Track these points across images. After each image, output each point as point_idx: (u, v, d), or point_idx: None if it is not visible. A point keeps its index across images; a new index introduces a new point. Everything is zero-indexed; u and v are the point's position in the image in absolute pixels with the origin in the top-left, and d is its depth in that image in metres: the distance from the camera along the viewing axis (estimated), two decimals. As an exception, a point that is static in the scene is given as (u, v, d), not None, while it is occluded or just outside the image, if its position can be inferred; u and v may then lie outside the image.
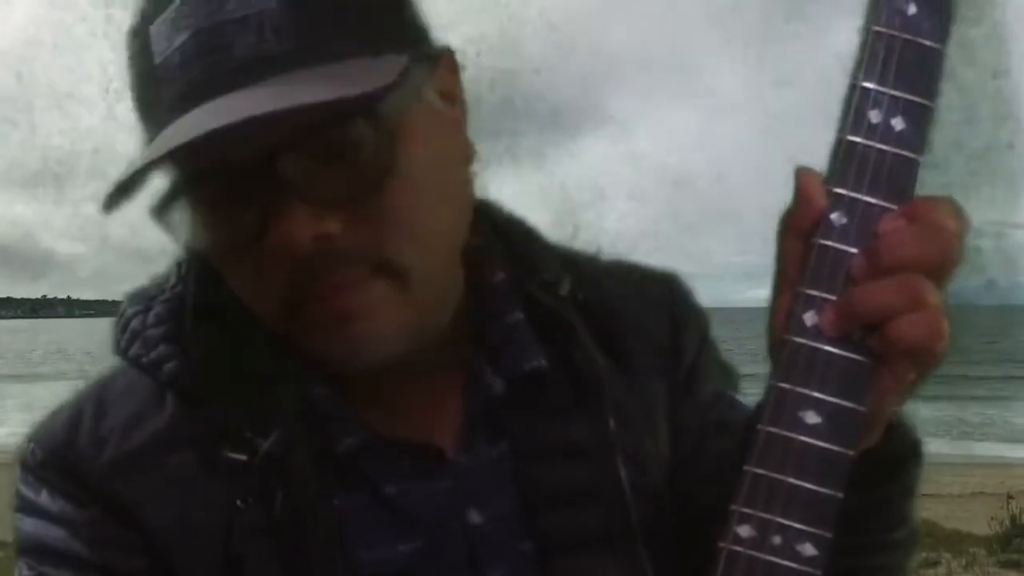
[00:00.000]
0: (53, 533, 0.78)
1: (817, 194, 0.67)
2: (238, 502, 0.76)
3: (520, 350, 0.84)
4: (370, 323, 0.75)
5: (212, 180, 0.73)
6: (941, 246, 0.66)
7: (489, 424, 0.83)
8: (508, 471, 0.82)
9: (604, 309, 0.88)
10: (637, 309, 0.90)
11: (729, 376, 0.94)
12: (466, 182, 0.81)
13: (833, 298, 0.69)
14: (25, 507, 0.80)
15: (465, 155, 0.81)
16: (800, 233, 0.68)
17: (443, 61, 0.80)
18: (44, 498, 0.79)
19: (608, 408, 0.84)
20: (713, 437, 0.87)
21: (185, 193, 0.74)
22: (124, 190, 0.71)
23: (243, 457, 0.77)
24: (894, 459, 0.75)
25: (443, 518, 0.80)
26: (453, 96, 0.81)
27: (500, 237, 0.88)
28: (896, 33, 0.69)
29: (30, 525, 0.80)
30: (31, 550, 0.79)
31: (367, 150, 0.72)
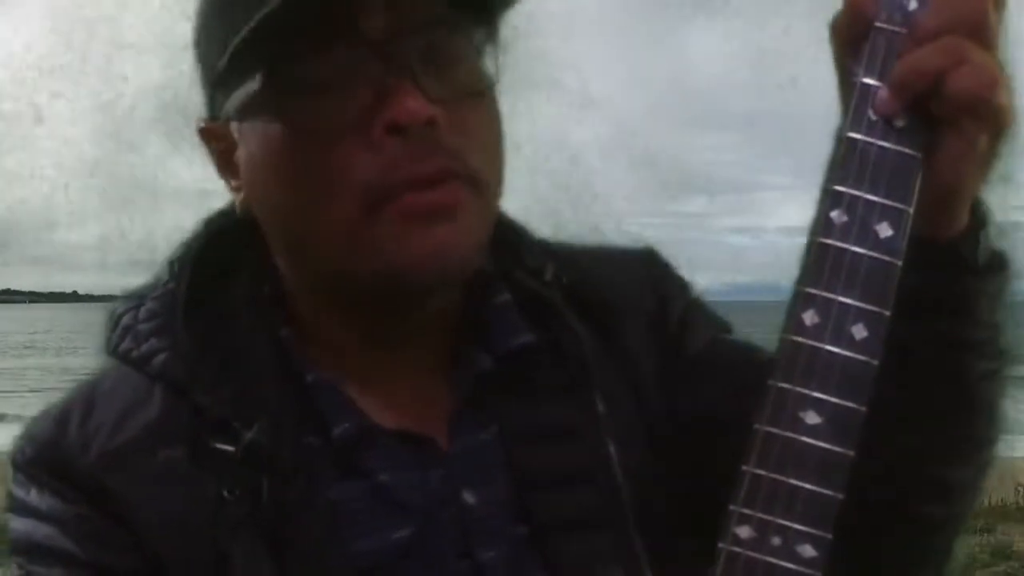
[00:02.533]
0: (42, 531, 0.78)
1: (865, 3, 0.68)
2: (224, 493, 0.76)
3: (507, 328, 0.84)
4: (455, 226, 0.76)
5: (328, 48, 0.74)
6: (973, 5, 0.67)
7: (480, 408, 0.83)
8: (499, 454, 0.82)
9: (589, 291, 0.89)
10: (621, 287, 0.91)
11: (721, 324, 0.94)
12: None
13: (831, 296, 0.68)
14: (16, 506, 0.80)
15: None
16: (846, 42, 0.70)
17: None
18: (34, 496, 0.79)
19: (596, 390, 0.84)
20: (722, 379, 0.87)
21: (293, 61, 0.74)
22: (241, 20, 0.71)
23: (230, 448, 0.76)
24: (979, 253, 0.73)
25: (437, 503, 0.80)
26: None
27: None
28: (897, 29, 0.68)
29: (20, 524, 0.79)
30: (22, 549, 0.79)
31: (483, 60, 0.78)
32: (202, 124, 0.83)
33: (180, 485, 0.77)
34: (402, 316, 0.81)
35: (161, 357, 0.80)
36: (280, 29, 0.72)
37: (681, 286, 0.94)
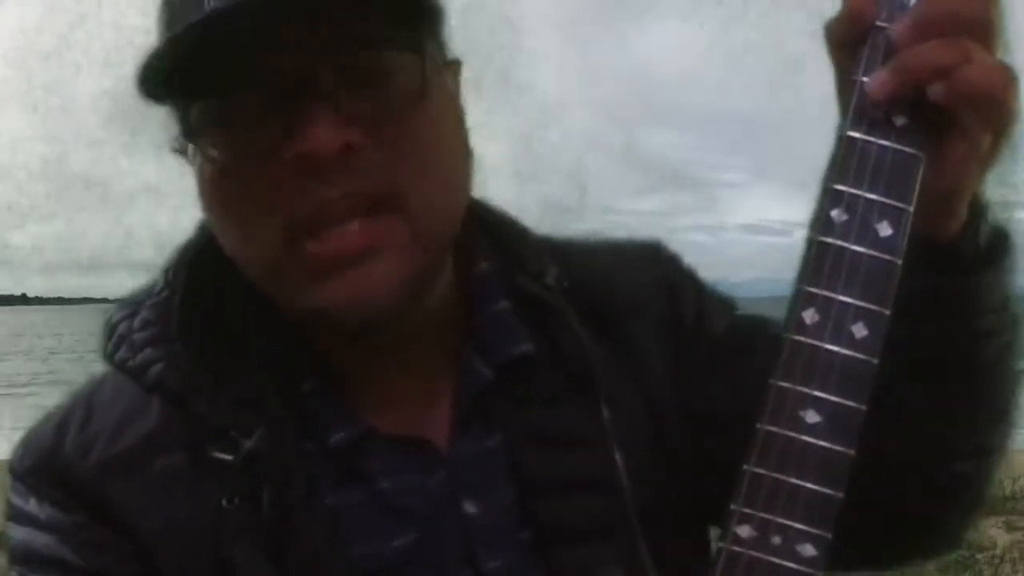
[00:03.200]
0: (41, 540, 0.78)
1: (865, 7, 0.68)
2: (224, 502, 0.75)
3: (507, 336, 0.84)
4: (376, 264, 0.73)
5: (238, 79, 0.72)
6: (980, 4, 0.67)
7: (482, 415, 0.83)
8: (503, 461, 0.82)
9: (593, 293, 0.88)
10: (628, 286, 0.90)
11: (731, 304, 0.94)
12: (469, 171, 0.81)
13: (832, 295, 0.68)
14: (15, 515, 0.80)
15: (469, 149, 0.81)
16: (843, 44, 0.70)
17: (454, 66, 0.82)
18: (32, 505, 0.79)
19: (601, 396, 0.83)
20: (753, 357, 0.84)
21: (206, 93, 0.73)
22: (152, 70, 0.70)
23: (229, 457, 0.76)
24: (982, 243, 0.74)
25: (438, 511, 0.80)
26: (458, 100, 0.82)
27: (487, 232, 0.88)
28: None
29: (20, 533, 0.79)
30: (21, 558, 0.79)
31: (403, 77, 0.73)
32: (174, 144, 0.81)
33: (179, 493, 0.77)
34: (371, 335, 0.79)
35: (157, 368, 0.79)
36: (190, 68, 0.71)
37: (690, 277, 0.93)
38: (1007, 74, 0.66)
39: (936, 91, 0.66)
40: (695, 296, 0.91)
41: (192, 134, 0.75)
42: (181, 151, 0.80)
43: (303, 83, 0.71)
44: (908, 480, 0.80)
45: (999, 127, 0.68)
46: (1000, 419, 0.80)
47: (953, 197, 0.71)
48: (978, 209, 0.73)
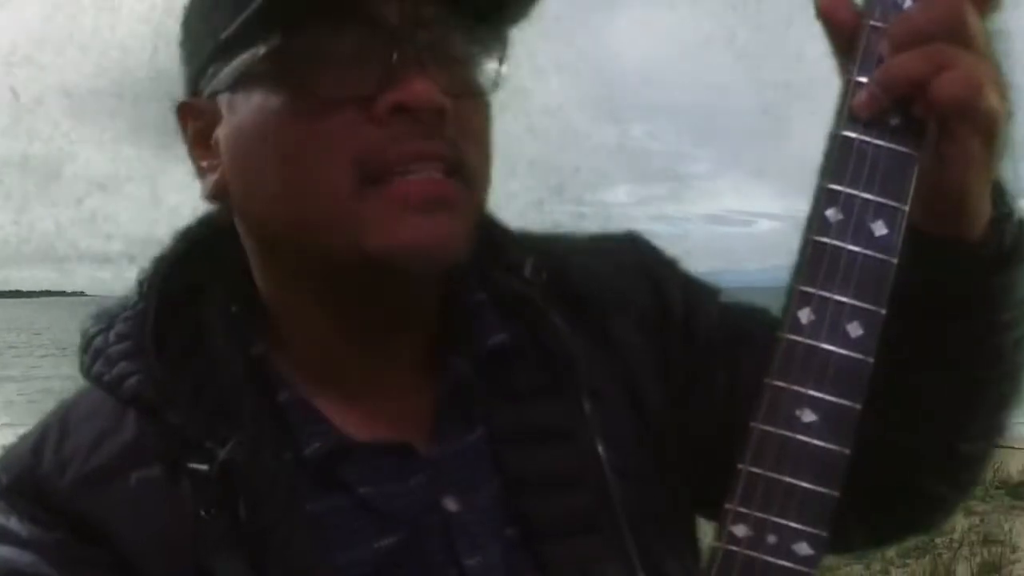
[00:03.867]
0: (24, 559, 0.76)
1: (839, 11, 0.69)
2: (202, 512, 0.75)
3: (481, 328, 0.83)
4: (449, 218, 0.75)
5: (341, 23, 0.74)
6: (951, 10, 0.67)
7: (463, 411, 0.82)
8: (485, 457, 0.82)
9: (572, 286, 0.88)
10: (609, 279, 0.90)
11: (716, 291, 0.94)
12: None
13: (827, 294, 0.68)
14: None
15: None
16: (838, 44, 0.70)
17: None
18: (14, 524, 0.77)
19: (583, 389, 0.83)
20: (747, 343, 0.87)
21: (314, 26, 0.74)
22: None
23: (204, 467, 0.75)
24: (1008, 241, 0.74)
25: (420, 511, 0.79)
26: None
27: None
28: None
29: (2, 551, 0.77)
30: None
31: (486, 64, 0.78)
32: (182, 100, 0.82)
33: (157, 506, 0.76)
34: (379, 309, 0.80)
35: (132, 381, 0.78)
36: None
37: (671, 267, 0.93)
38: (982, 78, 0.66)
39: (917, 105, 0.67)
40: (682, 287, 0.91)
41: (270, 73, 0.75)
42: (191, 107, 0.80)
43: (406, 40, 0.74)
44: (916, 461, 0.82)
45: (986, 129, 0.68)
46: (1008, 402, 0.81)
47: (964, 198, 0.71)
48: (1004, 206, 0.74)
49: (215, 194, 0.80)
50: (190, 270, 0.82)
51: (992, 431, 0.83)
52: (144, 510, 0.76)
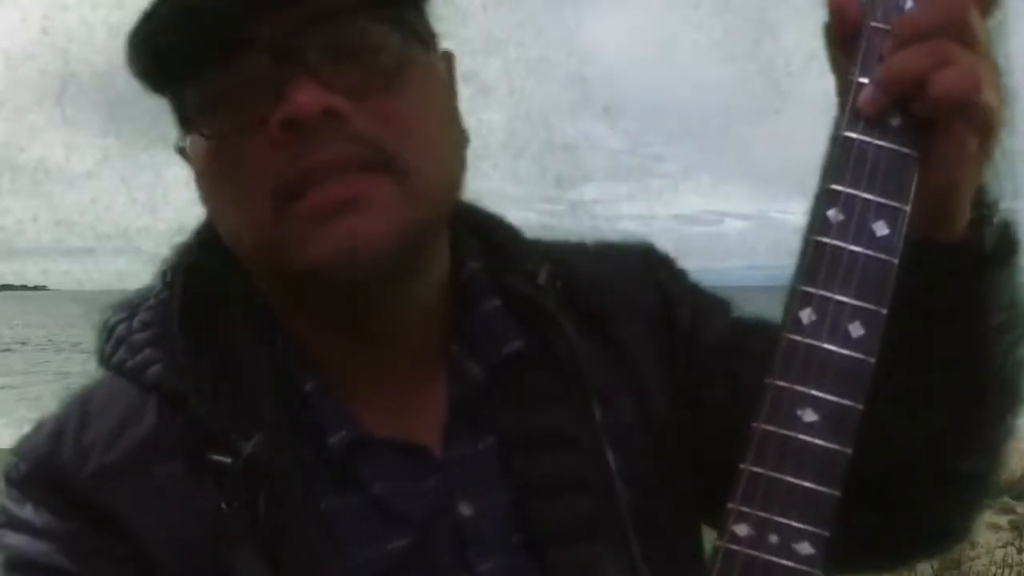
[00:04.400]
0: (38, 548, 0.77)
1: (845, 7, 0.69)
2: (223, 506, 0.75)
3: (497, 335, 0.83)
4: (365, 214, 0.73)
5: (225, 51, 0.73)
6: (953, 9, 0.67)
7: (474, 416, 0.83)
8: (496, 463, 0.82)
9: (585, 294, 0.88)
10: (620, 288, 0.90)
11: (727, 306, 0.94)
12: (462, 151, 0.82)
13: (828, 294, 0.69)
14: (11, 522, 0.79)
15: (463, 130, 0.82)
16: (838, 44, 0.71)
17: (447, 57, 0.83)
18: (29, 512, 0.78)
19: (593, 396, 0.83)
20: (752, 360, 0.84)
21: (193, 66, 0.74)
22: (140, 44, 0.72)
23: (227, 460, 0.75)
24: (989, 243, 0.74)
25: (433, 514, 0.80)
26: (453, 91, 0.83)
27: (477, 233, 0.88)
28: (892, 29, 0.69)
29: (16, 540, 0.78)
30: (18, 566, 0.78)
31: (384, 50, 0.75)
32: (176, 144, 0.82)
33: (177, 499, 0.76)
34: (365, 314, 0.80)
35: (156, 368, 0.79)
36: (179, 48, 0.72)
37: (683, 279, 0.93)
38: (982, 74, 0.66)
39: (916, 102, 0.67)
40: (690, 299, 0.91)
41: (187, 119, 0.77)
42: (181, 151, 0.80)
43: (286, 56, 0.72)
44: (916, 477, 0.80)
45: (983, 126, 0.68)
46: (1006, 414, 0.80)
47: (950, 198, 0.71)
48: (984, 208, 0.74)
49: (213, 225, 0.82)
50: (211, 262, 0.83)
51: (993, 445, 0.82)
52: (163, 503, 0.76)
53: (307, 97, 0.71)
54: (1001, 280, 0.75)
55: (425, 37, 0.79)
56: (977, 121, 0.68)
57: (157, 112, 0.80)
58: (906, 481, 0.80)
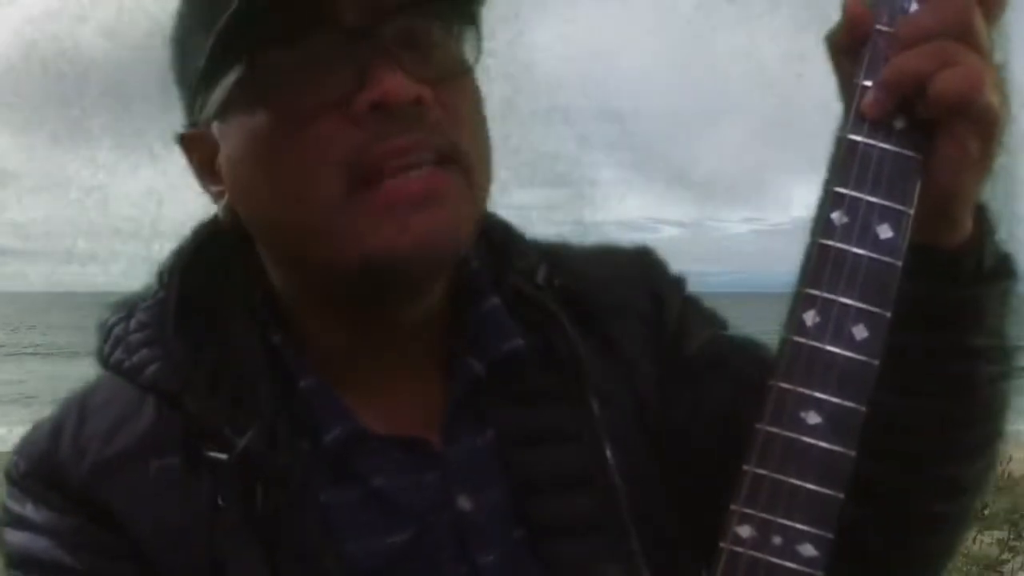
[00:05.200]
0: (39, 544, 0.78)
1: (862, 15, 0.69)
2: (219, 501, 0.75)
3: (497, 333, 0.84)
4: (441, 211, 0.74)
5: (305, 35, 0.73)
6: (957, 11, 0.67)
7: (474, 412, 0.83)
8: (495, 458, 0.82)
9: (583, 294, 0.88)
10: (616, 289, 0.90)
11: (718, 321, 0.94)
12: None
13: (832, 296, 0.69)
14: (12, 520, 0.79)
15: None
16: (845, 50, 0.71)
17: None
18: (29, 509, 0.79)
19: (591, 393, 0.84)
20: (724, 377, 0.87)
21: (278, 44, 0.73)
22: (239, 23, 0.71)
23: (223, 456, 0.76)
24: (984, 260, 0.74)
25: (432, 508, 0.80)
26: None
27: (478, 233, 0.86)
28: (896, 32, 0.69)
29: (17, 538, 0.79)
30: (19, 563, 0.79)
31: (461, 47, 0.77)
32: (182, 133, 0.82)
33: (174, 494, 0.76)
34: (391, 312, 0.80)
35: (153, 368, 0.79)
36: (257, 19, 0.71)
37: (676, 285, 0.94)
38: (985, 76, 0.67)
39: (919, 103, 0.67)
40: (680, 307, 0.92)
41: (247, 96, 0.75)
42: (190, 138, 0.80)
43: (369, 40, 0.73)
44: (892, 515, 0.79)
45: (985, 128, 0.68)
46: (986, 450, 0.79)
47: (951, 201, 0.71)
48: (985, 224, 0.74)
49: (228, 218, 0.81)
50: (208, 260, 0.83)
51: (963, 488, 0.80)
52: (161, 498, 0.76)
53: (399, 83, 0.72)
54: (989, 299, 0.75)
55: (482, 36, 0.80)
56: (979, 122, 0.68)
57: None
58: (881, 520, 0.78)
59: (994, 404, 0.78)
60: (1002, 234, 0.75)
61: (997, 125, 0.69)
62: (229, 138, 0.78)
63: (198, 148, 0.81)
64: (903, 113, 0.69)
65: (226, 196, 0.80)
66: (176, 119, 0.83)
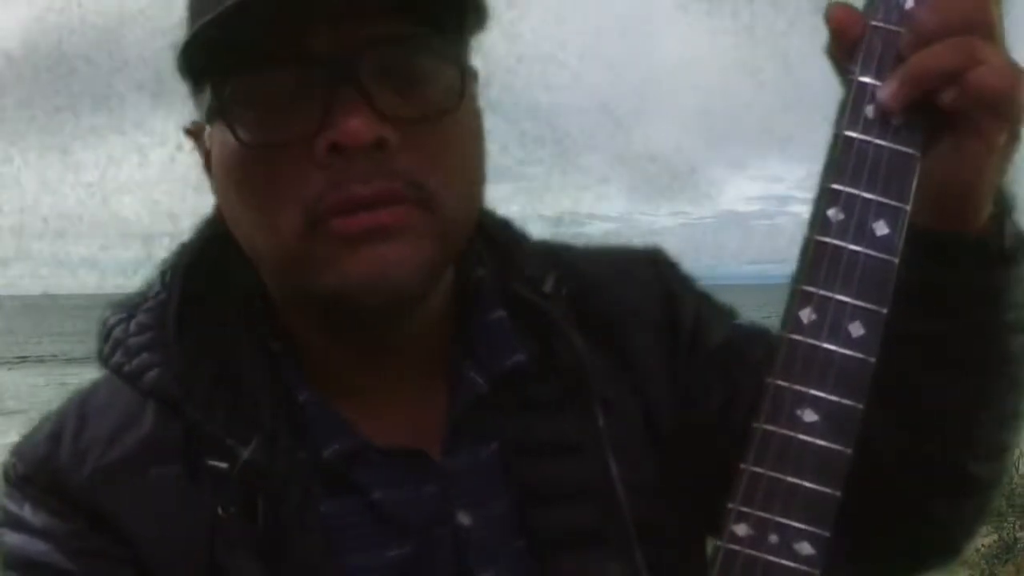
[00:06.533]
0: (37, 547, 0.77)
1: (848, 25, 0.69)
2: (220, 511, 0.75)
3: (500, 347, 0.83)
4: (398, 243, 0.73)
5: (276, 61, 0.72)
6: (979, 3, 0.67)
7: (476, 424, 0.82)
8: (497, 471, 0.82)
9: (591, 301, 0.87)
10: (627, 294, 0.89)
11: (731, 313, 0.93)
12: (485, 177, 0.81)
13: (828, 294, 0.69)
14: (9, 522, 0.79)
15: (486, 154, 0.81)
16: (845, 56, 0.70)
17: (473, 75, 0.81)
18: (27, 512, 0.78)
19: (596, 404, 0.83)
20: (750, 370, 0.85)
21: (244, 70, 0.72)
22: (196, 43, 0.70)
23: (224, 465, 0.76)
24: (1008, 238, 0.74)
25: (432, 522, 0.80)
26: None
27: (484, 237, 0.87)
28: (894, 28, 0.69)
29: (14, 540, 0.78)
30: (16, 565, 0.78)
31: (442, 84, 0.75)
32: (188, 125, 0.82)
33: (174, 502, 0.76)
34: (376, 333, 0.80)
35: (153, 373, 0.78)
36: (227, 39, 0.71)
37: (689, 284, 0.93)
38: (1016, 70, 0.67)
39: (949, 96, 0.66)
40: (694, 305, 0.91)
41: (223, 111, 0.74)
42: (194, 133, 0.80)
43: (341, 75, 0.71)
44: (926, 479, 0.79)
45: (1013, 122, 0.68)
46: (1014, 420, 0.79)
47: (975, 194, 0.71)
48: (1004, 204, 0.73)
49: (219, 215, 0.81)
50: (211, 264, 0.83)
51: (1002, 450, 0.81)
52: (161, 506, 0.76)
53: (359, 124, 0.71)
54: (1017, 276, 0.75)
55: (471, 70, 0.79)
56: (1010, 116, 0.68)
57: None
58: (913, 486, 0.79)
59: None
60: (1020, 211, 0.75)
61: (1021, 116, 0.69)
62: (213, 143, 0.78)
63: (200, 144, 0.81)
64: (906, 109, 0.68)
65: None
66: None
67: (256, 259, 0.78)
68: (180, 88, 0.78)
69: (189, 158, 0.83)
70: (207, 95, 0.75)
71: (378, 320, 0.78)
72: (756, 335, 0.89)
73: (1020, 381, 0.78)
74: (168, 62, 0.75)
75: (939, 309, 0.72)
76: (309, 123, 0.72)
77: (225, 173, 0.76)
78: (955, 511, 0.83)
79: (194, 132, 0.82)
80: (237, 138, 0.74)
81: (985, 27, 0.67)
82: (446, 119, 0.75)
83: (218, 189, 0.79)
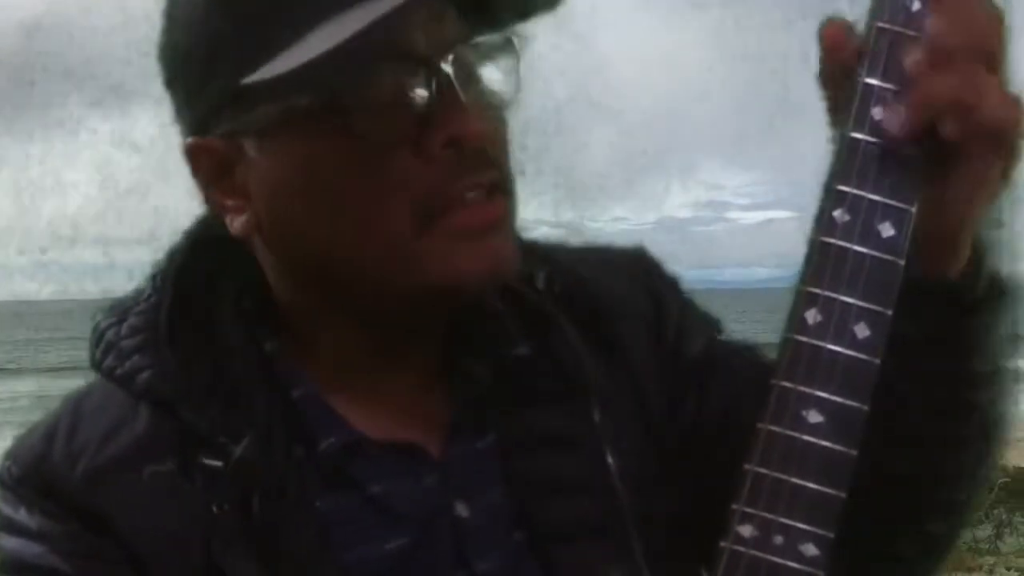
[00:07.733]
0: (32, 550, 0.77)
1: (841, 43, 0.69)
2: (214, 508, 0.75)
3: (500, 339, 0.84)
4: (506, 234, 0.78)
5: (373, 65, 0.73)
6: (993, 32, 0.68)
7: (475, 417, 0.83)
8: (495, 463, 0.82)
9: (582, 297, 0.88)
10: (616, 291, 0.90)
11: (712, 323, 0.94)
12: None
13: (834, 295, 0.69)
14: (5, 524, 0.79)
15: None
16: (833, 78, 0.71)
17: None
18: (22, 515, 0.78)
19: (593, 398, 0.83)
20: (722, 382, 0.87)
21: (339, 78, 0.72)
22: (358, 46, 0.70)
23: (218, 463, 0.75)
24: (982, 286, 0.74)
25: (430, 514, 0.80)
26: None
27: None
28: (900, 29, 0.69)
29: (10, 543, 0.78)
30: (12, 568, 0.78)
31: (510, 75, 0.78)
32: (190, 140, 0.79)
33: (169, 501, 0.76)
34: (422, 328, 0.81)
35: (145, 375, 0.78)
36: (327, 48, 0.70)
37: (674, 287, 0.93)
38: (1018, 107, 0.67)
39: (949, 127, 0.66)
40: (678, 310, 0.91)
41: (309, 122, 0.74)
42: (199, 148, 0.78)
43: (444, 72, 0.74)
44: (883, 528, 0.79)
45: (1008, 159, 0.69)
46: (980, 469, 0.80)
47: (959, 232, 0.71)
48: (980, 250, 0.73)
49: (247, 233, 0.79)
50: (203, 264, 0.82)
51: (960, 508, 0.81)
52: (155, 505, 0.76)
53: (472, 121, 0.74)
54: (992, 322, 0.74)
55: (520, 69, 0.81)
56: (1010, 149, 0.68)
57: None
58: (873, 531, 0.78)
59: (992, 422, 0.78)
60: (997, 253, 0.74)
61: (1018, 155, 0.69)
62: (275, 157, 0.76)
63: (210, 157, 0.78)
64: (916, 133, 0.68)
65: (246, 212, 0.78)
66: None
67: (329, 266, 0.77)
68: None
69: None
70: (286, 105, 0.74)
71: (454, 312, 0.81)
72: (739, 349, 0.90)
73: (991, 427, 0.78)
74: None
75: (906, 353, 0.70)
76: (416, 121, 0.73)
77: (309, 185, 0.75)
78: (911, 565, 0.83)
79: (201, 147, 0.78)
80: (339, 144, 0.73)
81: (993, 56, 0.67)
82: (506, 114, 0.79)
83: (284, 204, 0.77)
